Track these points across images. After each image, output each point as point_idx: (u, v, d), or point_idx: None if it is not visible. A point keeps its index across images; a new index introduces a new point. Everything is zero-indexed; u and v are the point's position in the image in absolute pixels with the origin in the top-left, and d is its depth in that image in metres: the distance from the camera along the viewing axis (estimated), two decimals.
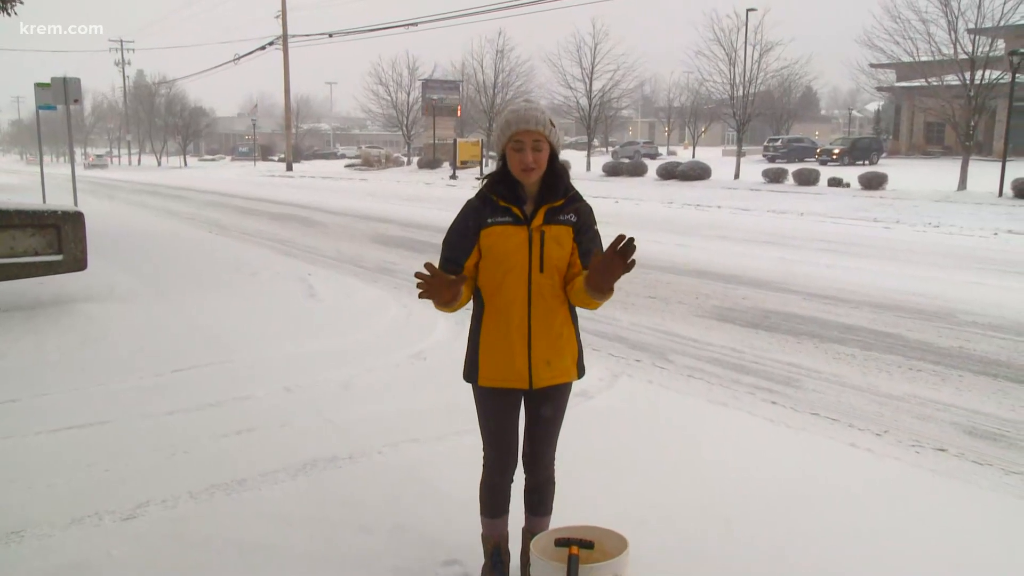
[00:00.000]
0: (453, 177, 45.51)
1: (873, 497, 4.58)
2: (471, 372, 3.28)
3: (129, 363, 6.99)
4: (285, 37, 61.38)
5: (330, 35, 55.59)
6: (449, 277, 2.95)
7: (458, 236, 3.15)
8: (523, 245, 3.12)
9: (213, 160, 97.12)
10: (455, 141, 50.15)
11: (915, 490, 4.73)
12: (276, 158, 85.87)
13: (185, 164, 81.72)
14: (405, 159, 64.12)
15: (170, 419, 5.65)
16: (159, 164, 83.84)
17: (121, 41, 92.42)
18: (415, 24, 45.70)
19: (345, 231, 19.27)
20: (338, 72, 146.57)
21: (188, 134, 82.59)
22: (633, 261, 2.85)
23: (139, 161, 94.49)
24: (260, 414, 5.76)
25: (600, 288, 2.97)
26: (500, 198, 3.13)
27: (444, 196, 31.55)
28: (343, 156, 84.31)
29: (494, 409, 3.31)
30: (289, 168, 63.12)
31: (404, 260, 14.09)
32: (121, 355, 7.25)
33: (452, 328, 8.37)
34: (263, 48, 62.32)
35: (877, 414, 6.17)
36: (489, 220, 3.12)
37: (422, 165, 56.00)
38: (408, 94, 61.44)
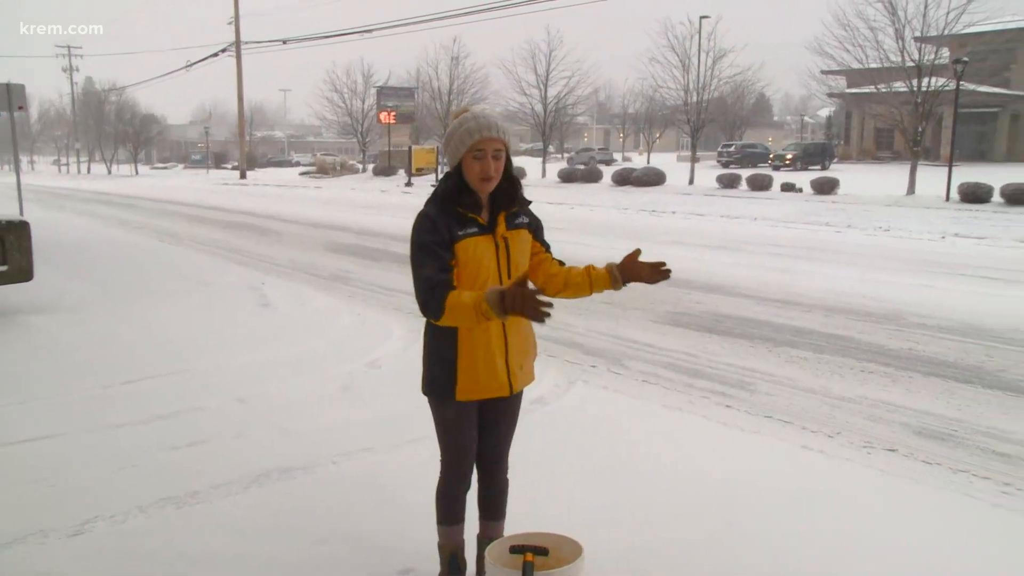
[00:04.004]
0: (408, 184, 45.36)
1: (826, 498, 4.63)
2: (444, 387, 3.20)
3: (78, 375, 6.86)
4: (238, 43, 60.86)
5: (284, 42, 55.33)
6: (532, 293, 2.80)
7: (441, 248, 3.02)
8: (492, 254, 3.12)
9: (165, 168, 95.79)
10: (410, 148, 50.02)
11: (866, 490, 4.79)
12: (230, 166, 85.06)
13: (136, 172, 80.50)
14: (360, 166, 63.79)
15: (120, 432, 5.56)
16: (109, 172, 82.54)
17: (68, 47, 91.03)
18: (369, 31, 45.62)
19: (299, 239, 19.12)
20: (292, 79, 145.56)
21: (139, 142, 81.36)
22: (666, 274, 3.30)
23: (88, 169, 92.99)
24: (213, 425, 5.68)
25: (624, 282, 3.29)
26: (464, 209, 3.09)
27: (400, 203, 31.44)
28: (298, 164, 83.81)
29: (465, 422, 3.29)
30: (243, 176, 62.55)
31: (358, 268, 14.01)
32: (69, 366, 7.12)
33: (406, 336, 8.34)
34: (216, 55, 61.76)
35: (829, 416, 6.24)
36: (459, 233, 3.05)
37: (377, 172, 55.76)
38: (363, 101, 61.13)
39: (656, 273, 3.29)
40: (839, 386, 7.02)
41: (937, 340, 8.61)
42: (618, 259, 3.35)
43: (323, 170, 62.28)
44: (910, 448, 5.58)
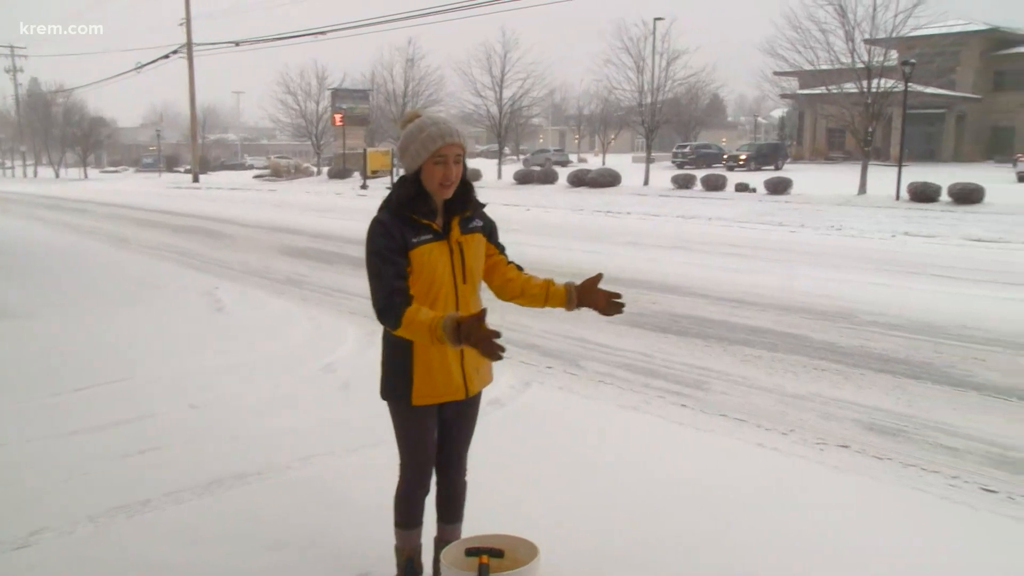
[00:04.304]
0: (364, 187, 45.13)
1: (781, 495, 4.68)
2: (401, 391, 3.19)
3: (25, 383, 6.74)
4: (190, 45, 60.11)
5: (237, 43, 54.64)
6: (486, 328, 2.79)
7: (396, 254, 3.00)
8: (447, 260, 3.11)
9: (116, 172, 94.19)
10: (365, 151, 49.74)
11: (820, 487, 4.86)
12: (182, 169, 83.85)
13: (86, 176, 79.14)
14: (315, 169, 63.30)
15: (69, 440, 5.46)
16: (57, 176, 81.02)
17: (12, 47, 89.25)
18: (323, 33, 45.23)
19: (253, 243, 18.95)
20: (245, 81, 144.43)
21: (88, 145, 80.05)
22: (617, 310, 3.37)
23: (35, 173, 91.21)
24: (165, 432, 5.60)
25: (579, 305, 3.36)
26: (419, 216, 3.07)
27: (355, 206, 31.26)
28: (252, 167, 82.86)
29: (424, 425, 3.28)
30: (196, 179, 61.78)
31: (313, 271, 13.91)
32: (16, 375, 6.99)
33: (362, 339, 8.30)
34: (167, 56, 60.82)
35: (783, 414, 6.31)
36: (414, 240, 3.03)
37: (332, 175, 55.38)
38: (317, 103, 60.69)
39: (611, 306, 3.35)
40: (793, 384, 7.10)
41: (888, 337, 8.74)
42: (580, 269, 3.35)
43: (277, 173, 61.71)
44: (862, 444, 5.66)
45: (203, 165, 72.48)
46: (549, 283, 3.38)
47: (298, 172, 62.41)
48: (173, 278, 12.52)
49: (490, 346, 2.73)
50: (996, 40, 63.08)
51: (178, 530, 4.15)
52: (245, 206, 33.14)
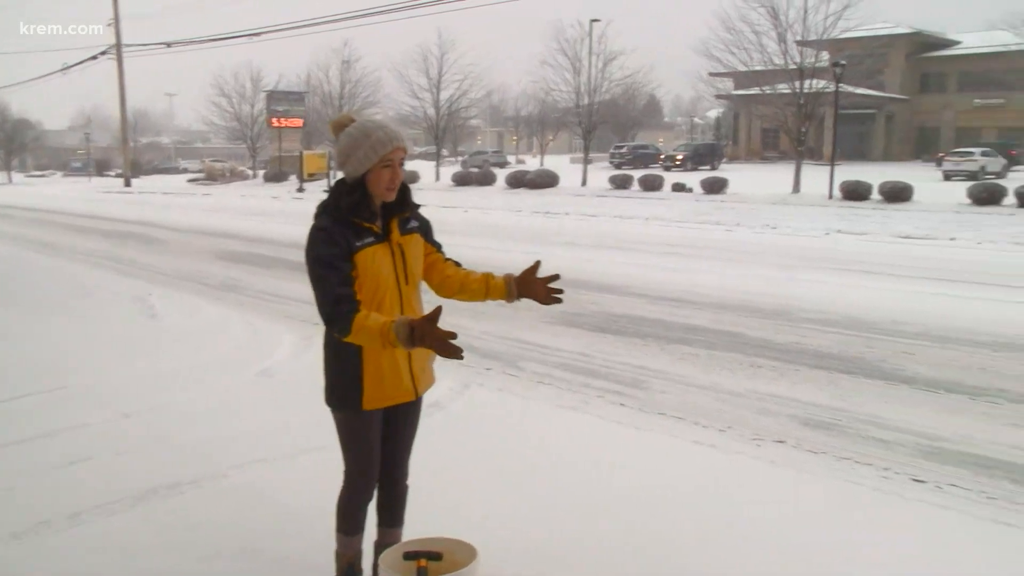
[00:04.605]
0: (300, 190, 44.70)
1: (718, 491, 4.73)
2: (350, 397, 3.15)
3: None
4: (119, 46, 58.86)
5: (168, 45, 53.75)
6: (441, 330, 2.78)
7: (341, 260, 2.97)
8: (389, 262, 3.10)
9: (43, 176, 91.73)
10: (301, 154, 49.27)
11: (757, 482, 4.92)
12: (113, 173, 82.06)
13: (10, 180, 77.03)
14: (251, 172, 62.55)
15: None
16: None
17: None
18: (258, 34, 44.71)
19: (188, 248, 18.63)
20: (178, 83, 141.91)
21: (12, 148, 77.90)
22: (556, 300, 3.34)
23: None
24: (95, 443, 5.46)
25: (522, 296, 3.33)
26: (361, 219, 3.05)
27: (292, 210, 30.94)
28: (185, 170, 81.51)
29: (371, 430, 3.25)
30: (127, 184, 60.51)
31: (250, 276, 13.71)
32: None
33: (299, 344, 8.21)
34: (95, 57, 59.50)
35: (720, 411, 6.38)
36: (357, 244, 3.01)
37: (268, 178, 54.77)
38: (252, 106, 59.96)
39: (550, 297, 3.34)
40: (729, 381, 7.19)
41: (822, 333, 8.90)
42: (518, 270, 3.35)
43: (212, 177, 60.84)
44: (797, 439, 5.75)
45: (135, 169, 71.11)
46: (489, 277, 3.37)
47: (233, 175, 61.61)
48: (104, 284, 12.26)
49: (447, 346, 2.74)
50: (921, 43, 64.85)
51: (109, 543, 4.05)
52: (179, 211, 32.58)
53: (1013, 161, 46.08)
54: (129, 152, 67.70)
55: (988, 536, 4.27)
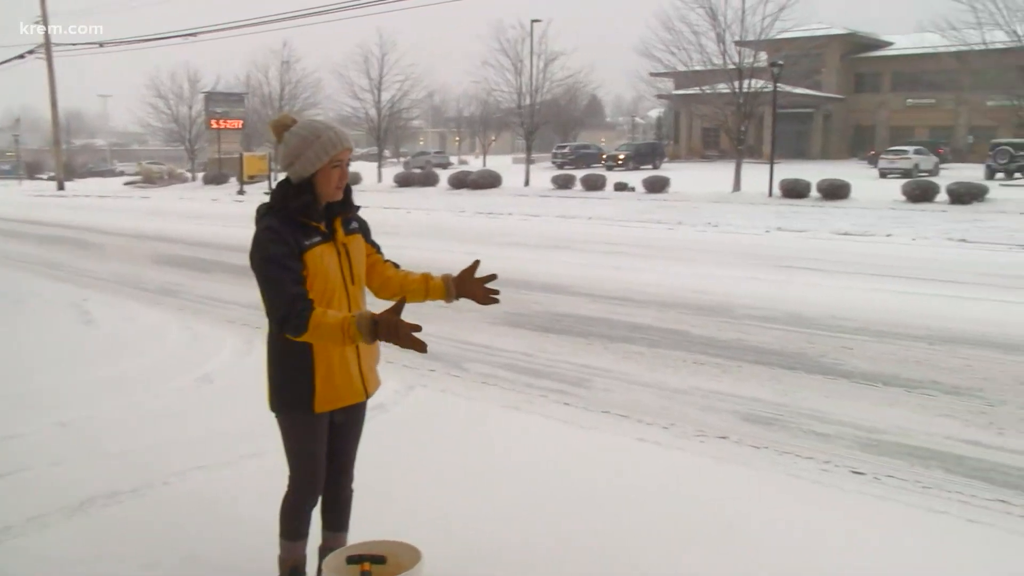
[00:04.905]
0: (241, 192, 44.14)
1: (663, 488, 4.76)
2: (300, 400, 3.11)
3: None
4: (48, 45, 57.42)
5: (101, 44, 52.64)
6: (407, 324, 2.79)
7: (292, 260, 2.94)
8: (336, 262, 3.09)
9: None
10: (241, 155, 48.66)
11: (700, 478, 4.96)
12: (45, 176, 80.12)
13: None
14: (190, 175, 61.59)
15: None
16: None
17: None
18: (194, 35, 44.02)
19: (125, 252, 18.27)
20: (113, 84, 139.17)
21: None
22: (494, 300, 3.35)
23: None
24: (29, 453, 5.31)
25: (460, 296, 3.32)
26: (308, 219, 3.03)
27: (232, 212, 30.53)
28: (122, 173, 79.98)
29: (320, 434, 3.22)
30: (61, 187, 59.04)
31: (189, 280, 13.49)
32: None
33: (240, 348, 8.10)
34: (22, 56, 57.93)
35: (664, 408, 6.43)
36: (306, 243, 2.99)
37: (208, 181, 53.97)
38: (190, 107, 59.08)
39: (487, 298, 3.36)
40: (673, 379, 7.25)
41: (764, 330, 9.02)
42: (456, 269, 3.35)
43: (149, 179, 59.78)
44: (740, 434, 5.81)
45: (68, 172, 69.46)
46: (427, 277, 3.38)
47: (172, 178, 60.61)
48: (38, 291, 11.95)
49: (413, 339, 2.75)
50: (855, 44, 66.20)
51: (44, 555, 3.95)
52: (115, 214, 31.92)
53: (941, 159, 47.23)
54: (62, 154, 66.16)
55: (923, 524, 4.37)
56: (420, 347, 2.76)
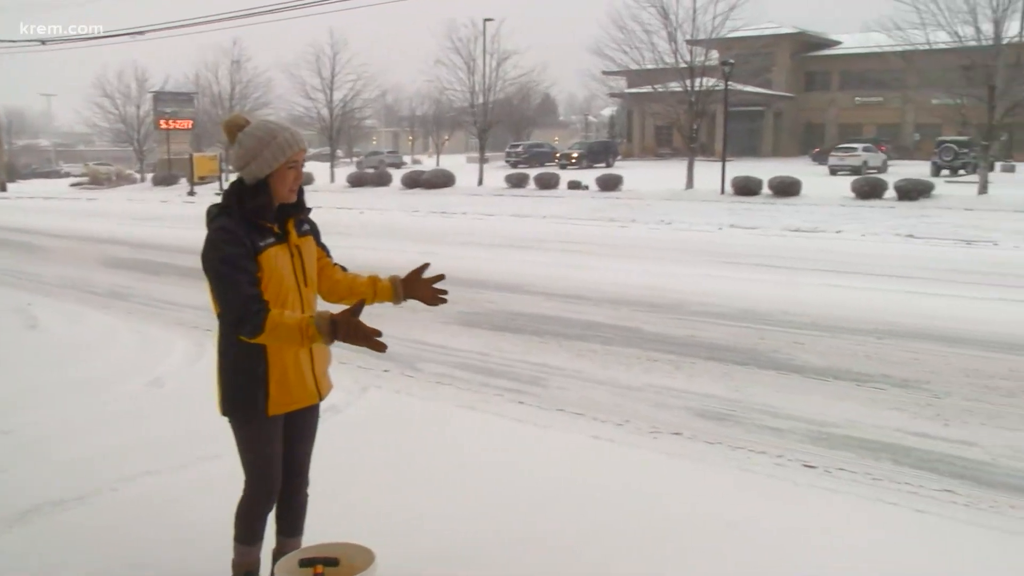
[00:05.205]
0: (191, 193, 43.58)
1: (617, 485, 4.77)
2: (253, 403, 3.06)
3: None
4: None
5: (43, 42, 51.57)
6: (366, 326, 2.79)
7: (247, 260, 2.91)
8: (289, 263, 3.07)
9: None
10: (191, 156, 48.01)
11: (655, 475, 4.98)
12: None
13: None
14: (138, 176, 60.62)
15: None
16: None
17: None
18: (142, 33, 43.30)
19: (72, 255, 17.92)
20: (57, 83, 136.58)
21: None
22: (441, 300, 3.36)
23: None
24: None
25: (405, 298, 3.33)
26: (262, 220, 3.00)
27: (183, 213, 30.11)
28: (68, 174, 78.49)
29: (274, 437, 3.17)
30: (2, 188, 57.93)
31: (138, 283, 13.26)
32: None
33: (192, 351, 7.99)
34: None
35: (618, 405, 6.45)
36: (261, 244, 2.96)
37: (157, 182, 53.11)
38: (138, 107, 58.07)
39: (435, 298, 3.37)
40: (627, 376, 7.28)
41: (716, 326, 9.09)
42: (408, 270, 3.33)
43: (96, 180, 58.70)
44: (694, 431, 5.85)
45: (11, 173, 68.02)
46: (375, 279, 3.36)
47: (120, 179, 59.57)
48: None
49: (373, 341, 2.75)
50: (805, 43, 67.03)
51: None
52: (61, 216, 31.30)
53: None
54: (4, 155, 64.84)
55: (873, 515, 4.42)
56: (380, 348, 2.76)
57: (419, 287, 3.33)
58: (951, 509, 4.56)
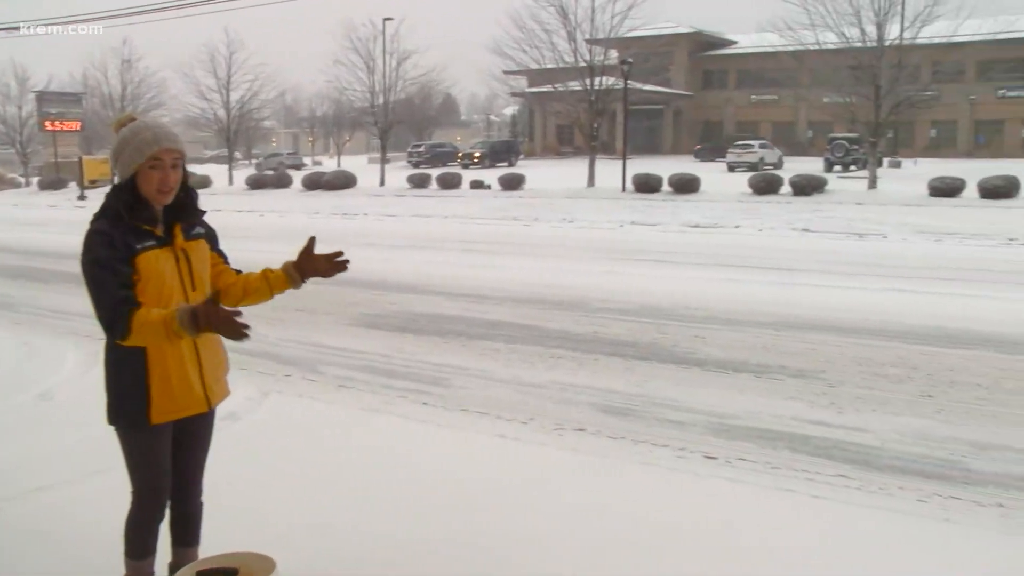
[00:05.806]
0: (82, 198, 42.11)
1: (524, 483, 4.77)
2: (136, 411, 2.96)
3: None
4: None
5: None
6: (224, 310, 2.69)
7: (119, 262, 2.80)
8: (173, 267, 2.97)
9: None
10: (80, 159, 46.39)
11: (560, 471, 5.00)
12: None
13: None
14: (22, 180, 58.27)
15: None
16: None
17: None
18: (16, 28, 41.53)
19: None
20: None
21: None
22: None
23: None
24: None
25: (305, 277, 3.21)
26: (140, 222, 2.90)
27: (72, 219, 28.89)
28: None
29: (160, 446, 3.07)
30: None
31: (25, 292, 12.74)
32: None
33: (84, 361, 7.69)
34: None
35: (522, 403, 6.46)
36: (138, 246, 2.86)
37: (44, 186, 51.08)
38: (20, 108, 55.83)
39: (333, 267, 3.24)
40: (530, 374, 7.30)
41: (618, 322, 9.19)
42: (295, 257, 3.25)
43: None
44: (597, 426, 5.90)
45: None
46: (267, 272, 3.27)
47: (2, 183, 57.24)
48: None
49: (233, 326, 2.65)
50: (702, 42, 68.50)
51: None
52: None
53: None
54: None
55: (772, 503, 4.53)
56: (240, 333, 2.65)
57: (314, 263, 3.23)
58: (845, 493, 4.70)
